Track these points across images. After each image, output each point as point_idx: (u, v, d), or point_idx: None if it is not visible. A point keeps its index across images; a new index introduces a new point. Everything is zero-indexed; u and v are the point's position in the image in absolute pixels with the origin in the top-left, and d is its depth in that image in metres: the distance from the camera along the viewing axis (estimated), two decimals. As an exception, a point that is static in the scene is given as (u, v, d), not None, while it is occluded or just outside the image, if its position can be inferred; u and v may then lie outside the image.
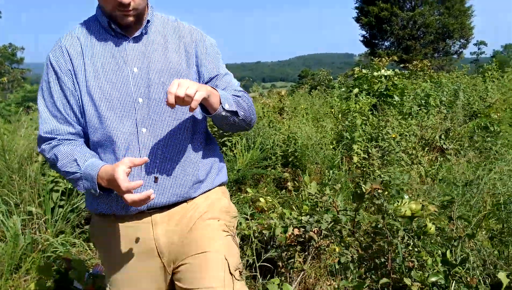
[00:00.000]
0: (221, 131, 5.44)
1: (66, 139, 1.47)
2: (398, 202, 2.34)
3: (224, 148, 4.99)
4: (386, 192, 2.22)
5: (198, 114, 1.56)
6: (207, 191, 1.60)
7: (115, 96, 1.44)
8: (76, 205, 3.71)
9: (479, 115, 7.28)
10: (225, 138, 5.29)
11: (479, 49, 76.61)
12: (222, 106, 1.42)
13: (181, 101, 1.28)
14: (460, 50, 28.87)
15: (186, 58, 1.53)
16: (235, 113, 1.48)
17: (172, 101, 1.27)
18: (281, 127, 5.18)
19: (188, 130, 1.53)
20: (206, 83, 1.54)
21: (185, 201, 1.54)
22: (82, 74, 1.45)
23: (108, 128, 1.44)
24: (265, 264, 2.57)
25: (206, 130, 1.63)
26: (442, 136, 6.42)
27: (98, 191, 1.37)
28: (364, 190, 2.22)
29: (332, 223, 2.35)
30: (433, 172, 5.08)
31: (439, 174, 4.95)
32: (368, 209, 2.88)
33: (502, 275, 2.14)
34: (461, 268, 2.23)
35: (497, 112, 7.20)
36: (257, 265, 2.17)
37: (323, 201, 2.48)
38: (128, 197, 1.27)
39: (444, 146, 6.22)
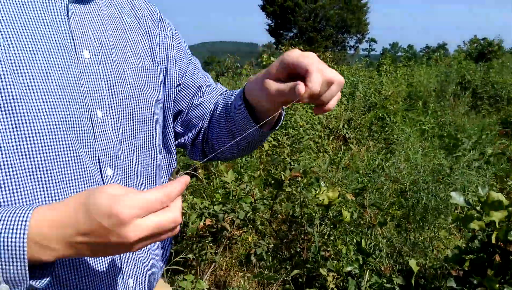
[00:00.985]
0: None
1: None
2: (315, 190, 2.28)
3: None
4: (305, 180, 2.15)
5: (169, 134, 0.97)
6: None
7: (57, 104, 0.69)
8: None
9: (376, 106, 7.71)
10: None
11: (370, 46, 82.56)
12: (283, 117, 0.94)
13: (315, 96, 0.75)
14: (357, 45, 30.80)
15: (150, 49, 0.91)
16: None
17: (307, 94, 0.73)
18: (190, 111, 4.93)
19: (165, 169, 0.95)
20: (179, 86, 0.98)
21: None
22: None
23: (42, 168, 0.68)
24: (176, 259, 2.38)
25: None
26: (345, 126, 6.69)
27: (27, 278, 0.57)
28: (283, 177, 2.12)
29: (250, 212, 2.23)
30: (337, 160, 5.24)
31: (342, 162, 5.12)
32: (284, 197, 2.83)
33: (412, 263, 2.19)
34: (374, 256, 2.25)
35: (392, 104, 7.70)
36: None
37: (241, 189, 2.34)
38: None
39: (347, 135, 6.49)
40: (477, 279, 2.00)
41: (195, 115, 0.99)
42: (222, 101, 1.00)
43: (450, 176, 2.71)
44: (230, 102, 0.96)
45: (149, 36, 0.91)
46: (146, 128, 0.86)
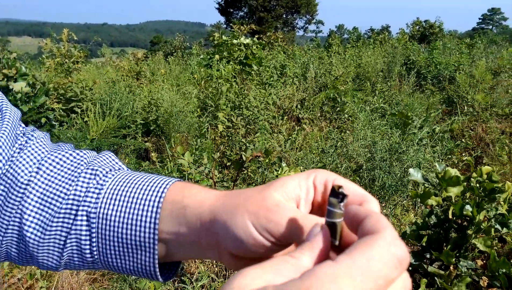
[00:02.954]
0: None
1: None
2: (276, 170, 2.24)
3: (73, 115, 4.38)
4: (267, 160, 2.10)
5: None
6: None
7: None
8: None
9: (328, 86, 7.79)
10: (74, 104, 4.65)
11: (317, 27, 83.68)
12: None
13: None
14: (306, 26, 30.99)
15: None
16: None
17: None
18: (140, 92, 4.74)
19: None
20: None
21: None
22: None
23: None
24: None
25: None
26: (298, 106, 6.71)
27: None
28: (244, 158, 2.06)
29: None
30: (292, 140, 5.25)
31: (296, 142, 5.13)
32: (245, 180, 2.77)
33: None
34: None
35: (342, 85, 7.81)
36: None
37: (199, 172, 2.25)
38: None
39: (300, 116, 6.51)
40: (435, 254, 2.05)
41: None
42: None
43: (404, 153, 2.76)
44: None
45: None
46: None
